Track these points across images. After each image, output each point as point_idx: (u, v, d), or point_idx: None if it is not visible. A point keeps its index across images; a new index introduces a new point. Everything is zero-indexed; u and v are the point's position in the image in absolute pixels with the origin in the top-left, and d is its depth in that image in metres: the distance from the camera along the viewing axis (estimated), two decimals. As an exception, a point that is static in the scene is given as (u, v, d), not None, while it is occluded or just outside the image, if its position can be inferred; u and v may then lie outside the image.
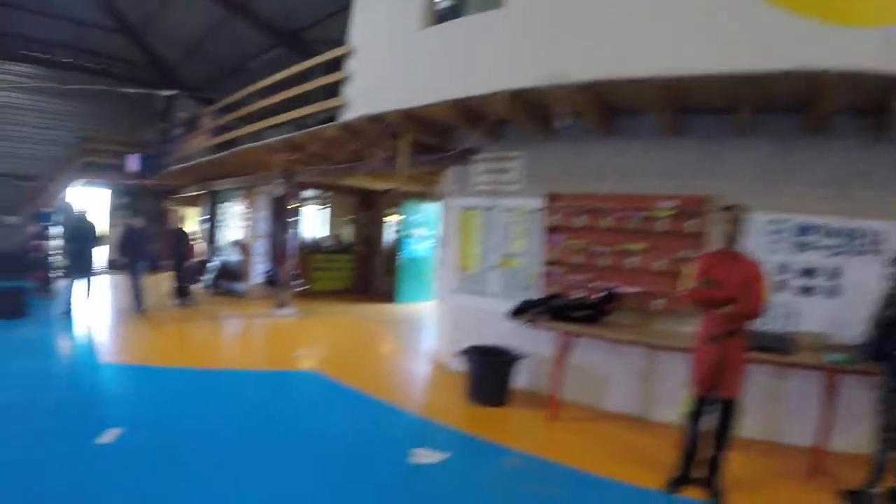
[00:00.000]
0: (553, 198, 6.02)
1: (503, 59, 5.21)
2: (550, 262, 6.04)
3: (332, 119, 7.39)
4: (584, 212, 5.75)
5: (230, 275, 12.68)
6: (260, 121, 9.26)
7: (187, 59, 15.87)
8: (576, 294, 5.68)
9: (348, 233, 15.04)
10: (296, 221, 10.60)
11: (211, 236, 14.58)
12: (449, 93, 5.58)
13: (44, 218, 11.41)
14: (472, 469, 4.20)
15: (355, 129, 7.06)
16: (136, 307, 9.45)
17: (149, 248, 9.71)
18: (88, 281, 9.25)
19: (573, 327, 5.16)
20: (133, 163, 15.11)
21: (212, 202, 14.03)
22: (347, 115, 6.94)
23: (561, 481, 3.96)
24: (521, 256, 6.39)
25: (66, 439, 4.15)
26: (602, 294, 5.43)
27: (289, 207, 10.25)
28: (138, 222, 9.84)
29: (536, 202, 6.17)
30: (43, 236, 11.39)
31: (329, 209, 14.60)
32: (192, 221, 18.23)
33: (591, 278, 5.71)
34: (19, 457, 3.78)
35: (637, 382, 5.46)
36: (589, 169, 5.90)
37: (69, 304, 9.23)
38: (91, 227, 9.41)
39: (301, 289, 10.86)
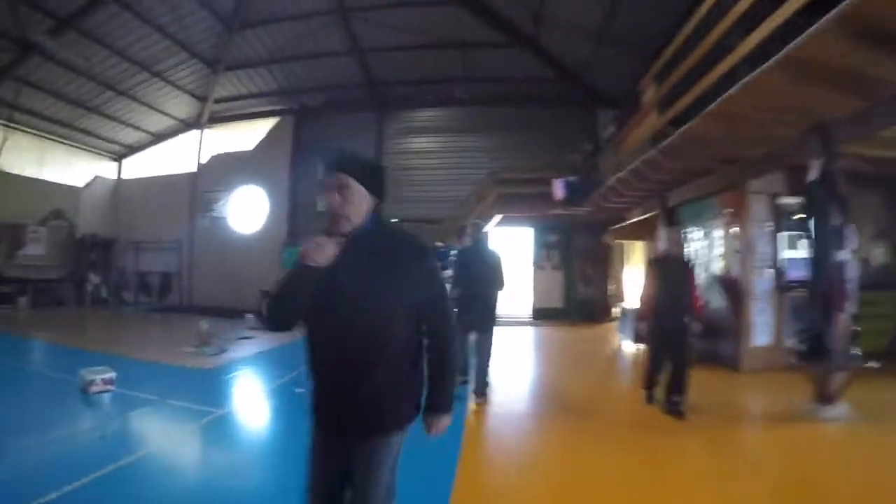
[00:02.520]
0: None
1: None
2: None
3: None
4: None
5: (712, 330, 8.25)
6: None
7: (596, 58, 13.04)
8: None
9: (880, 254, 8.95)
10: (844, 233, 5.52)
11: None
12: None
13: (441, 256, 9.22)
14: None
15: None
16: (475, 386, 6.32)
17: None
18: (487, 339, 6.28)
19: None
20: (558, 189, 12.47)
21: (669, 222, 10.04)
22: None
23: None
24: None
25: None
26: None
27: (836, 205, 5.32)
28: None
29: None
30: None
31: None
32: (640, 259, 14.71)
33: None
34: None
35: None
36: None
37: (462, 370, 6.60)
38: (493, 262, 6.40)
39: (865, 364, 5.68)
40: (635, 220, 12.09)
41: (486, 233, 6.83)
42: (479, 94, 15.85)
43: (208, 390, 6.73)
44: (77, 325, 13.41)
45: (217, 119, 18.54)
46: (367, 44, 14.62)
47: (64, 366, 7.43)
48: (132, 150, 19.91)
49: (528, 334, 12.53)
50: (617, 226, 13.69)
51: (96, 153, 19.26)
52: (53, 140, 17.46)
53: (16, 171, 16.45)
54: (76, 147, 18.37)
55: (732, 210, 8.22)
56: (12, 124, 16.00)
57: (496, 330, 6.34)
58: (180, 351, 9.09)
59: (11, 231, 16.17)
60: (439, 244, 10.17)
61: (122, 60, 14.56)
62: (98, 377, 6.28)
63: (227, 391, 6.75)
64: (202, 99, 17.56)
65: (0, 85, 14.24)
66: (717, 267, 8.67)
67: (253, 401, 6.33)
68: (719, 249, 8.64)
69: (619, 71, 12.49)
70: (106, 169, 19.93)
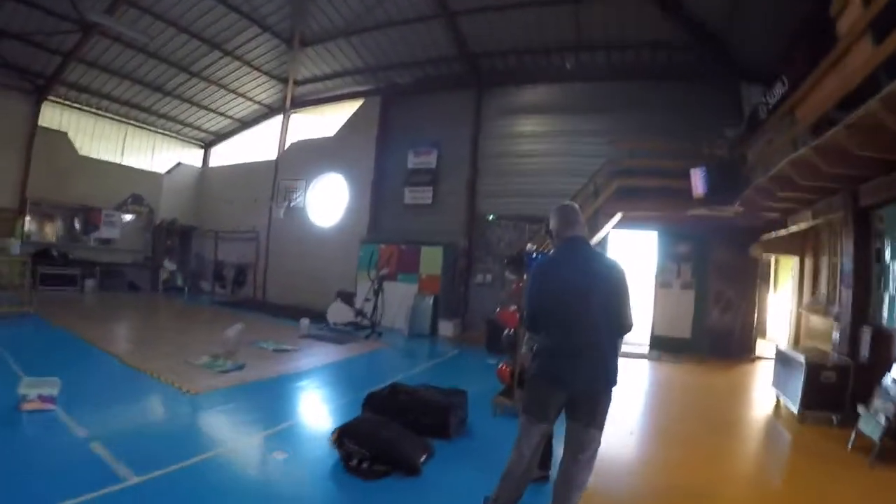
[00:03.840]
0: None
1: None
2: None
3: None
4: None
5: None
6: None
7: (742, 13, 9.99)
8: None
9: None
10: None
11: (863, 309, 7.14)
12: None
13: (532, 264, 6.32)
14: None
15: None
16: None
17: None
18: (589, 436, 3.08)
19: None
20: (698, 182, 9.59)
21: (859, 231, 6.89)
22: None
23: None
24: None
25: None
26: None
27: None
28: None
29: None
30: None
31: None
32: (790, 281, 11.18)
33: None
34: None
35: None
36: None
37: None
38: (608, 281, 3.12)
39: None
40: (802, 226, 8.88)
41: (578, 223, 3.35)
42: (595, 66, 13.03)
43: (162, 434, 4.87)
44: (117, 313, 12.66)
45: (302, 103, 17.41)
46: (457, 4, 12.41)
47: (40, 366, 6.18)
48: (219, 137, 19.45)
49: (643, 373, 9.57)
50: (769, 235, 10.43)
51: (182, 140, 19.00)
52: (136, 126, 17.31)
53: (96, 155, 16.29)
54: (160, 133, 18.16)
55: None
56: (88, 108, 15.82)
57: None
58: (190, 362, 7.53)
59: (84, 213, 15.97)
60: (531, 248, 7.45)
61: (189, 38, 13.85)
62: (35, 392, 5.07)
63: (186, 439, 4.73)
64: (284, 81, 16.47)
65: (69, 69, 14.00)
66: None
67: (207, 461, 4.19)
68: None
69: (772, 27, 9.31)
70: (193, 156, 19.60)
